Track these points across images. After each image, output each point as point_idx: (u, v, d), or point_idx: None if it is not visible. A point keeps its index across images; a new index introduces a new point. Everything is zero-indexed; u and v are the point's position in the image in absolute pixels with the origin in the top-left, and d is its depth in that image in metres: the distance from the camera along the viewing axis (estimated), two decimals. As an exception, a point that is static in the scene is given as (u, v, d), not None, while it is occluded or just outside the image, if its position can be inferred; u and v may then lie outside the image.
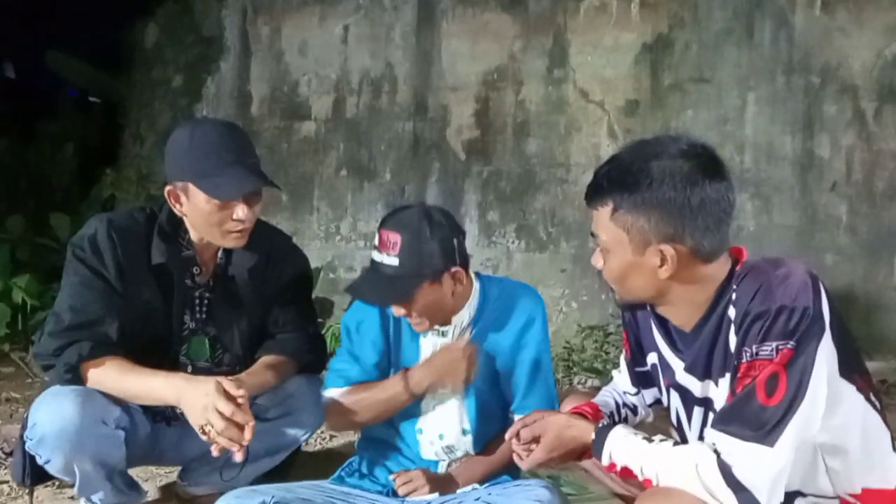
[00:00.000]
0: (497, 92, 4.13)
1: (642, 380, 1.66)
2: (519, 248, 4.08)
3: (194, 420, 1.78)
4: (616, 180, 1.34)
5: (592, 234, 1.41)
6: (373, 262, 1.80)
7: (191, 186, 1.87)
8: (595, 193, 1.38)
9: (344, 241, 4.24)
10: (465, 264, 1.83)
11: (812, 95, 3.87)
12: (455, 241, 1.80)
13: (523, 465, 1.54)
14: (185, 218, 1.94)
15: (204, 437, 1.77)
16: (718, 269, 1.35)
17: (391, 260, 1.75)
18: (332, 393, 1.91)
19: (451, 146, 4.18)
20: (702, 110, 3.95)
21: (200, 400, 1.76)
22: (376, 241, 1.79)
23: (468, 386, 1.88)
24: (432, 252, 1.75)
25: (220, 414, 1.73)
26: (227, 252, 2.01)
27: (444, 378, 1.83)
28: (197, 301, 2.03)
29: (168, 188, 1.90)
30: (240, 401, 1.75)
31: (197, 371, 2.04)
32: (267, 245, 2.05)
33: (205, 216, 1.88)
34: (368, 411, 1.88)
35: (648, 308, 1.49)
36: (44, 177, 4.85)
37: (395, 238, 1.75)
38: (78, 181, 4.83)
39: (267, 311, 2.08)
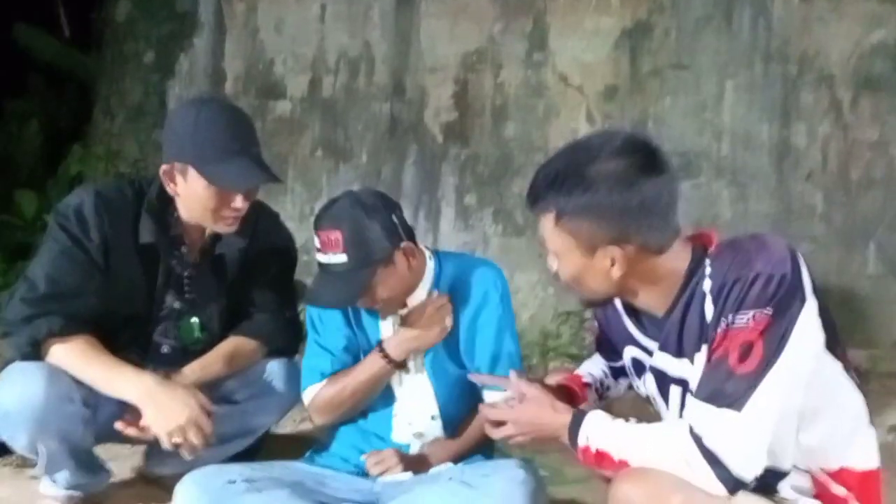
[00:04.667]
0: (476, 74, 4.09)
1: (616, 373, 1.66)
2: (496, 232, 4.05)
3: (162, 427, 1.77)
4: (555, 187, 1.34)
5: (540, 241, 1.41)
6: (321, 265, 1.77)
7: (191, 169, 1.84)
8: (536, 201, 1.37)
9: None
10: (411, 237, 1.81)
11: (790, 84, 3.87)
12: (394, 217, 1.78)
13: (494, 434, 1.53)
14: (177, 198, 1.90)
15: (165, 443, 1.79)
16: (675, 255, 1.36)
17: (339, 258, 1.72)
18: (311, 391, 1.89)
19: (428, 128, 4.13)
20: (680, 97, 3.94)
21: (179, 411, 1.77)
22: (317, 244, 1.76)
23: (432, 371, 1.86)
24: (375, 236, 1.73)
25: (199, 429, 1.77)
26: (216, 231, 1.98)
27: (421, 336, 1.81)
28: (186, 281, 1.99)
29: (165, 167, 1.86)
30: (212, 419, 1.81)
31: (171, 351, 2.01)
32: (253, 223, 2.02)
33: (202, 201, 1.86)
34: (354, 396, 1.86)
35: (617, 304, 1.48)
36: (9, 154, 4.75)
37: (334, 235, 1.72)
38: (44, 158, 4.73)
39: (247, 289, 2.05)
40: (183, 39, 4.36)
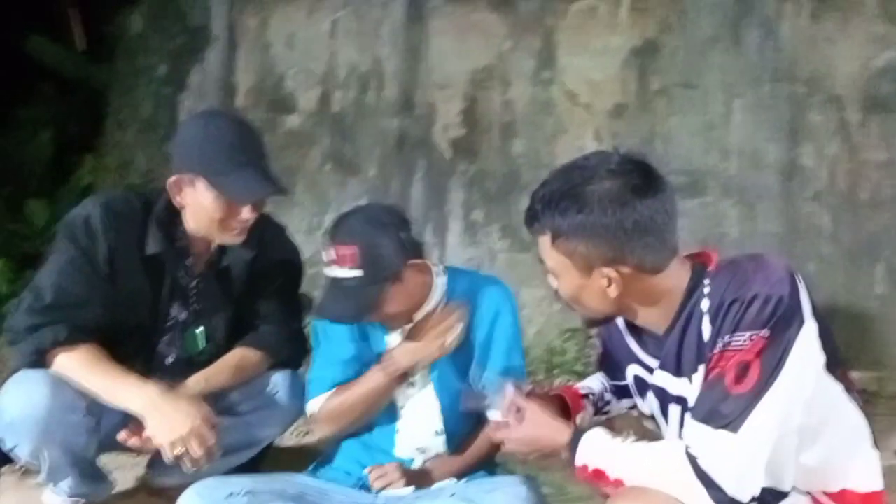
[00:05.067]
0: (484, 91, 4.10)
1: (620, 392, 1.66)
2: (503, 247, 4.05)
3: (165, 438, 1.77)
4: (551, 207, 1.34)
5: (540, 260, 1.41)
6: (332, 279, 1.77)
7: (199, 181, 1.85)
8: (533, 221, 1.38)
9: (327, 236, 4.20)
10: (419, 254, 1.82)
11: (797, 104, 3.87)
12: (405, 234, 1.79)
13: (495, 433, 1.52)
14: (184, 209, 1.92)
15: (168, 455, 1.78)
16: (673, 274, 1.36)
17: (352, 272, 1.73)
18: (316, 402, 1.89)
19: (436, 144, 4.15)
20: (688, 116, 3.95)
21: (182, 421, 1.77)
22: (331, 256, 1.76)
23: (438, 386, 1.86)
24: (389, 252, 1.74)
25: (202, 441, 1.76)
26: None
27: (422, 351, 1.81)
28: (193, 292, 2.00)
29: (173, 178, 1.88)
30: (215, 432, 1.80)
31: (176, 361, 2.02)
32: (259, 235, 2.02)
33: (209, 213, 1.87)
34: (357, 408, 1.86)
35: (620, 322, 1.48)
36: (20, 162, 4.78)
37: (350, 250, 1.73)
38: (55, 168, 4.76)
39: (253, 301, 2.06)
40: (195, 53, 4.40)
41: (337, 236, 1.77)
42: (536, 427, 1.44)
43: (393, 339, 1.89)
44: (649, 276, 1.34)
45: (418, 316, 1.85)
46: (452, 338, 1.82)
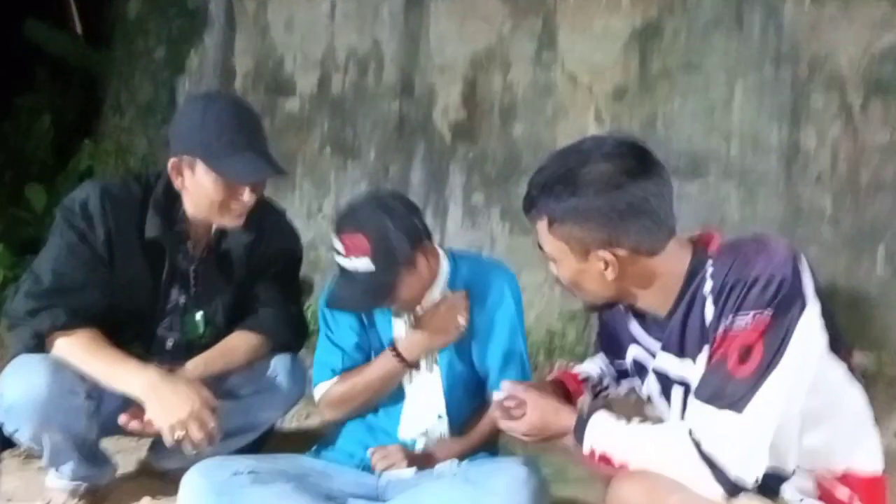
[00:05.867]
0: (484, 74, 4.09)
1: (620, 374, 1.66)
2: (503, 231, 4.05)
3: (165, 421, 1.78)
4: (546, 192, 1.34)
5: (539, 246, 1.41)
6: (343, 269, 1.76)
7: (199, 163, 1.84)
8: (530, 206, 1.39)
9: (326, 219, 4.19)
10: (429, 237, 1.81)
11: (799, 87, 3.85)
12: (416, 220, 1.78)
13: (501, 425, 1.51)
14: (184, 192, 1.90)
15: (169, 439, 1.78)
16: (671, 256, 1.35)
17: (364, 263, 1.72)
18: (323, 387, 1.90)
19: (436, 127, 4.14)
20: (689, 98, 3.93)
21: (181, 405, 1.77)
22: (339, 247, 1.74)
23: (444, 370, 1.86)
24: (399, 240, 1.73)
25: (202, 424, 1.76)
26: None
27: (435, 337, 1.81)
28: (192, 276, 1.99)
29: (173, 161, 1.87)
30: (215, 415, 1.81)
31: (176, 345, 2.02)
32: (258, 219, 2.01)
33: (209, 195, 1.86)
34: (365, 394, 1.86)
35: (621, 306, 1.48)
36: (20, 149, 4.77)
37: (359, 239, 1.71)
38: (55, 153, 4.75)
39: (253, 285, 2.06)
40: (193, 36, 4.38)
41: (344, 226, 1.75)
42: (542, 413, 1.44)
43: (399, 324, 1.88)
44: (646, 258, 1.34)
45: (424, 301, 1.85)
46: (463, 318, 1.82)
